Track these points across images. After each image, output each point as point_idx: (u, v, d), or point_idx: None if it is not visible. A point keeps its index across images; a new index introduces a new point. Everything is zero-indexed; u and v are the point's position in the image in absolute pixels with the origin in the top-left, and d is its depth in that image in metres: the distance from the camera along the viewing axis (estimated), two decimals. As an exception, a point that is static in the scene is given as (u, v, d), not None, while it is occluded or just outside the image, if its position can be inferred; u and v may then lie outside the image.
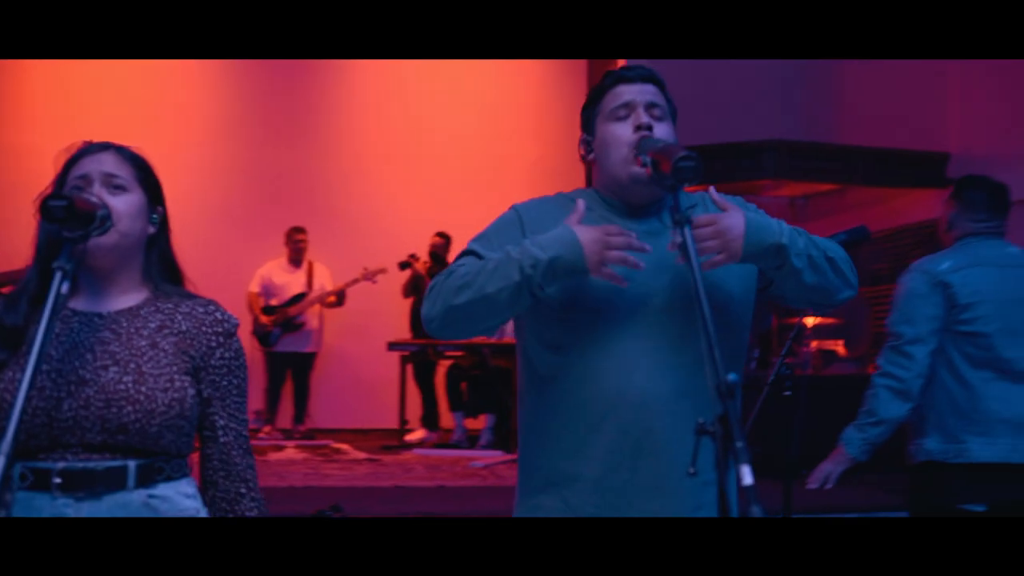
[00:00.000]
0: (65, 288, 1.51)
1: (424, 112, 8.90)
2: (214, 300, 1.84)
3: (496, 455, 6.55)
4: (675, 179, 1.64)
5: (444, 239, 7.93)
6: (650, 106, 1.89)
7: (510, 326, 7.01)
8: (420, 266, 7.80)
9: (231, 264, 7.88)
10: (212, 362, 1.74)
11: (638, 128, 1.85)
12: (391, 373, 7.53)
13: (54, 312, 1.48)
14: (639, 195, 1.90)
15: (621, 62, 7.67)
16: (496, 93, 9.06)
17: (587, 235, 1.73)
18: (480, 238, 1.96)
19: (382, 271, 7.67)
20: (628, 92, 1.90)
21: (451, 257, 7.94)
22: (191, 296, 1.81)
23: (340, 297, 7.76)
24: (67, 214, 1.54)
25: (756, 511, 1.44)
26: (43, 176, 5.81)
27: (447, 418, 7.61)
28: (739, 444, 1.48)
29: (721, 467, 1.51)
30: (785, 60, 7.90)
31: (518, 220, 1.96)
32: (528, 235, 1.86)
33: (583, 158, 2.01)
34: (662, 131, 1.88)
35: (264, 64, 8.59)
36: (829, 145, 6.92)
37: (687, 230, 1.62)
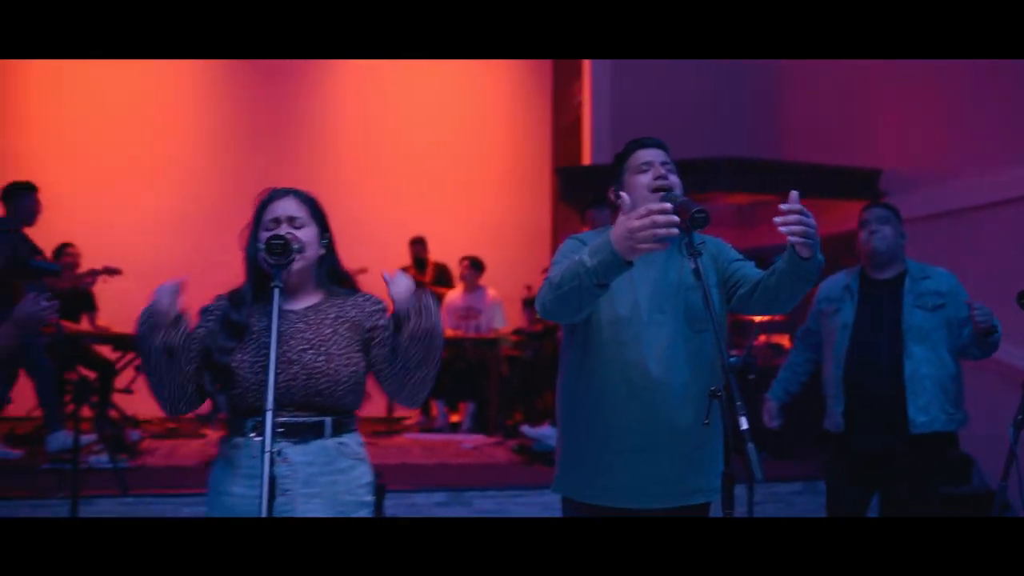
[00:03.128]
0: (279, 299, 2.23)
1: (401, 123, 9.57)
2: (373, 294, 2.54)
3: (480, 438, 7.28)
4: (692, 225, 2.40)
5: (420, 243, 8.61)
6: (663, 163, 2.68)
7: (484, 322, 7.82)
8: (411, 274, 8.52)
9: (214, 267, 8.41)
10: (378, 326, 2.43)
11: (656, 178, 2.65)
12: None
13: (280, 316, 2.20)
14: None
15: (586, 71, 8.43)
16: (468, 108, 9.76)
17: (615, 234, 2.24)
18: (564, 256, 2.61)
19: (363, 271, 8.30)
20: (647, 155, 2.69)
21: (431, 257, 8.65)
22: (355, 292, 2.52)
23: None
24: (283, 249, 2.25)
25: (751, 448, 2.20)
26: (38, 178, 6.36)
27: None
28: (738, 402, 2.25)
29: (727, 418, 2.28)
30: (734, 85, 8.73)
31: (583, 246, 2.61)
32: None
33: (613, 203, 2.75)
34: (674, 180, 2.67)
35: (249, 72, 9.17)
36: (773, 162, 7.76)
37: (700, 260, 2.40)
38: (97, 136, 8.98)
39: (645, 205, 2.23)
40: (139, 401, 7.48)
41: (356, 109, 9.56)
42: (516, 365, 8.00)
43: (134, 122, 9.09)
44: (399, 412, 8.29)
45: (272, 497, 2.02)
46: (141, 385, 7.34)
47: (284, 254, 2.26)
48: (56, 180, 6.09)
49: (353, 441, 2.43)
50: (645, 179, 2.65)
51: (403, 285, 2.37)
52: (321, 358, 2.34)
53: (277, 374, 2.28)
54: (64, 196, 6.13)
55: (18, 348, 3.36)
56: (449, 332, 8.02)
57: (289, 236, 2.33)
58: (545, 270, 8.94)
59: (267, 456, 2.02)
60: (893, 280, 3.82)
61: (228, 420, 2.40)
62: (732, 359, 2.29)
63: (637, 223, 2.19)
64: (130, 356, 7.36)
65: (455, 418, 8.19)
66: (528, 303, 8.73)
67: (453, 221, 9.36)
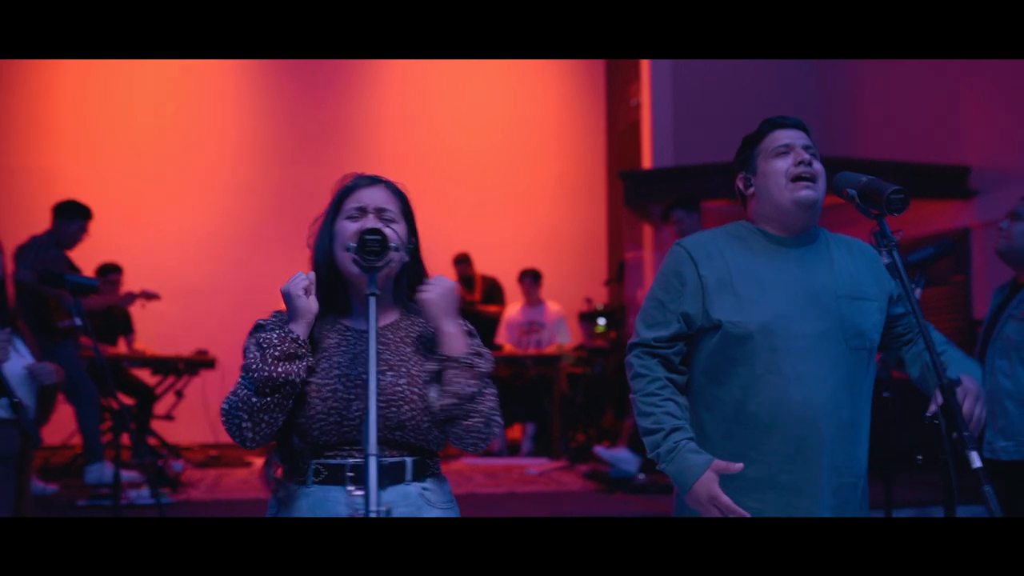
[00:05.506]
0: (375, 311, 1.75)
1: (449, 130, 9.12)
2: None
3: (544, 462, 6.78)
4: (887, 209, 1.92)
5: (466, 262, 8.10)
6: (806, 147, 2.21)
7: (547, 337, 7.21)
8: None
9: (255, 286, 8.02)
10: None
11: (799, 163, 2.17)
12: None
13: (355, 334, 1.74)
14: (799, 218, 2.19)
15: (645, 72, 7.96)
16: (517, 112, 9.30)
17: (700, 491, 2.04)
18: (653, 306, 2.24)
19: None
20: (786, 136, 2.23)
21: (478, 272, 8.14)
22: None
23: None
24: (381, 245, 1.78)
25: (988, 490, 1.70)
26: (67, 196, 5.95)
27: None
28: (965, 433, 1.75)
29: (948, 452, 1.79)
30: (803, 77, 8.21)
31: (688, 257, 2.21)
32: (700, 270, 2.16)
33: (742, 191, 2.30)
34: (818, 167, 2.20)
35: (289, 81, 8.78)
36: (853, 160, 7.22)
37: (895, 252, 1.91)
38: (130, 153, 8.61)
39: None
40: (179, 428, 7.09)
41: (402, 117, 9.13)
42: (579, 383, 7.51)
43: (169, 137, 8.71)
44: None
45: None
46: (182, 411, 7.03)
47: (382, 252, 1.79)
48: (88, 199, 5.68)
49: (440, 487, 1.94)
50: (783, 164, 2.19)
51: (435, 290, 1.89)
52: (402, 380, 1.86)
53: (351, 400, 1.84)
54: (98, 216, 5.73)
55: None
56: (509, 348, 7.56)
57: (390, 233, 1.87)
58: (607, 282, 8.45)
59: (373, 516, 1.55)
60: None
61: (285, 458, 1.91)
62: (953, 375, 1.78)
63: (718, 507, 2.03)
64: (171, 380, 6.94)
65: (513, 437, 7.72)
66: (586, 317, 8.26)
67: (504, 230, 8.92)
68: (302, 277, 1.87)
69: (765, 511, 2.09)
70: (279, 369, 1.79)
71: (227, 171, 8.74)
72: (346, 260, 1.87)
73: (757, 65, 7.96)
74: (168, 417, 6.85)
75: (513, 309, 7.78)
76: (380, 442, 1.81)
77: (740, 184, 2.30)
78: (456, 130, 9.14)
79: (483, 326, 7.88)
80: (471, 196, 9.05)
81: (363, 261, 1.79)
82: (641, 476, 5.47)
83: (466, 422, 1.86)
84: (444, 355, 1.87)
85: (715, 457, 2.06)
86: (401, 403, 1.84)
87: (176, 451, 6.71)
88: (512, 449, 7.51)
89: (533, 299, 7.68)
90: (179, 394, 6.91)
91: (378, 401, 1.79)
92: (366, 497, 1.59)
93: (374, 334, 1.71)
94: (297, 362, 1.81)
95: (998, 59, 6.35)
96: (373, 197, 1.96)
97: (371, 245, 1.78)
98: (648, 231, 7.57)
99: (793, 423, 2.08)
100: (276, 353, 1.79)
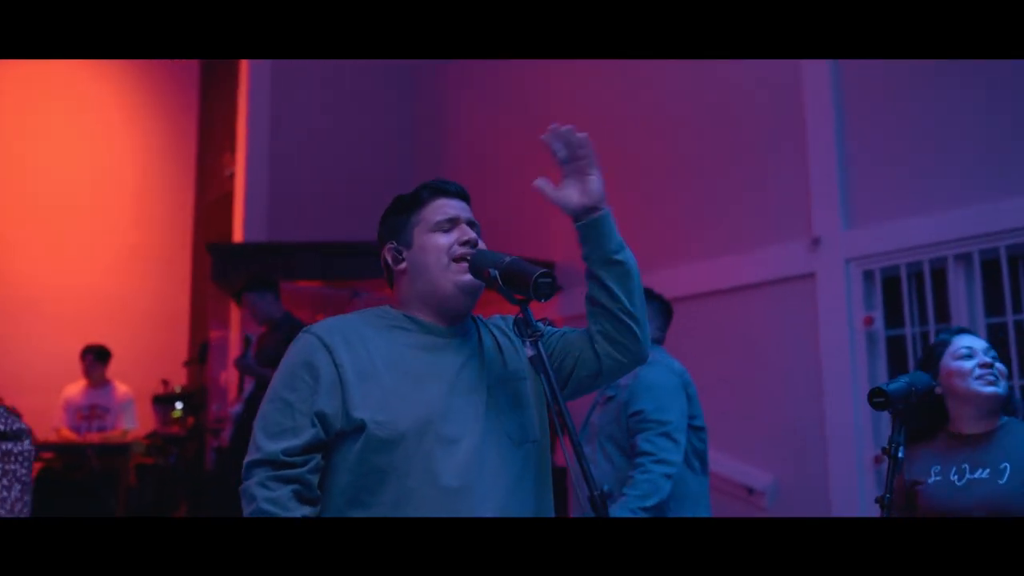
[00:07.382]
0: None
1: (15, 171, 8.08)
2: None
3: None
4: (533, 294, 1.71)
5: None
6: (471, 223, 1.94)
7: (111, 422, 6.32)
8: None
9: None
10: None
11: (464, 242, 1.90)
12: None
13: None
14: (458, 303, 1.90)
15: (241, 142, 7.53)
16: (92, 181, 8.45)
17: None
18: (276, 409, 1.79)
19: None
20: (451, 207, 1.94)
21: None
22: None
23: None
24: None
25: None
26: None
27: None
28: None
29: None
30: (401, 169, 8.23)
31: (320, 345, 1.82)
32: (337, 359, 1.79)
33: (392, 265, 1.95)
34: (482, 246, 1.94)
35: None
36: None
37: (541, 344, 1.71)
38: None
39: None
40: None
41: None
42: (149, 475, 6.72)
43: None
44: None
45: None
46: None
47: None
48: None
49: None
50: (446, 241, 1.89)
51: None
52: None
53: None
54: None
55: None
56: (67, 434, 6.59)
57: None
58: (187, 363, 7.78)
59: None
60: None
61: None
62: (606, 487, 1.59)
63: None
64: None
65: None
66: (162, 400, 7.50)
67: (71, 303, 7.95)
68: None
69: None
70: None
71: None
72: None
73: (356, 148, 7.88)
74: None
75: (73, 389, 6.81)
76: None
77: (388, 257, 1.95)
78: (18, 182, 8.08)
79: None
80: (33, 254, 8.00)
81: None
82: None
83: None
84: None
85: None
86: None
87: None
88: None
89: (97, 379, 6.78)
90: None
91: None
92: None
93: None
94: None
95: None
96: None
97: None
98: (236, 309, 7.07)
99: None
100: None
